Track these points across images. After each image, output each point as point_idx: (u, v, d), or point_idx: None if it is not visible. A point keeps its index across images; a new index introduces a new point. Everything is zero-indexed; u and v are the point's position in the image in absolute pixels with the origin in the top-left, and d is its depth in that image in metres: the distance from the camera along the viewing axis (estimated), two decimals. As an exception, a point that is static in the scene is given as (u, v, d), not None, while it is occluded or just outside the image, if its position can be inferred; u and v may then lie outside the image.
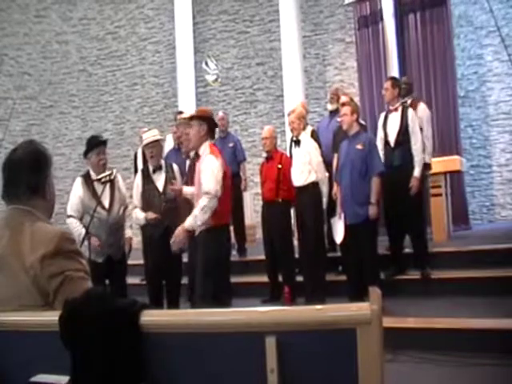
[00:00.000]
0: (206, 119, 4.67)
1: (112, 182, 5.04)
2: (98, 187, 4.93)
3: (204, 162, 4.53)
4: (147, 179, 5.27)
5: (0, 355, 1.69)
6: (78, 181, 5.10)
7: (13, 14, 13.12)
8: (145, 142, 5.35)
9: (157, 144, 5.32)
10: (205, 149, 4.59)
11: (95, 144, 5.09)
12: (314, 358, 1.35)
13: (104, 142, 5.18)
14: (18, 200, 1.95)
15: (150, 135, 5.36)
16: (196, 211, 4.41)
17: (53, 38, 13.31)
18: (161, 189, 5.20)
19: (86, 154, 5.11)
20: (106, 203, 4.98)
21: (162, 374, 1.47)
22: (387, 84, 6.12)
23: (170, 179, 5.25)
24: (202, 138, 4.61)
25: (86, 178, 5.05)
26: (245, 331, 1.38)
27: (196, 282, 4.66)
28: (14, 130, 12.29)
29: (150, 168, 5.33)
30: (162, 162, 5.42)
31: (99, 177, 4.97)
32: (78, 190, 5.02)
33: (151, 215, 5.09)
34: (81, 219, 4.94)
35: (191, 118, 4.87)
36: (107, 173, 4.97)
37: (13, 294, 1.78)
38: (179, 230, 4.47)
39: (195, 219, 4.40)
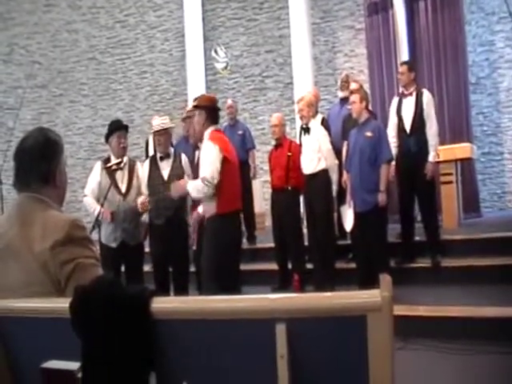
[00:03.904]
0: (202, 107, 4.68)
1: (131, 169, 5.16)
2: (117, 172, 5.01)
3: (202, 149, 4.58)
4: (154, 166, 5.25)
5: (11, 341, 1.70)
6: (98, 165, 5.23)
7: (22, 4, 13.12)
8: (153, 129, 5.36)
9: (165, 132, 5.27)
10: (206, 135, 4.61)
11: (116, 128, 5.18)
12: (324, 345, 1.35)
13: (125, 127, 5.25)
14: (29, 188, 1.96)
15: (159, 122, 5.33)
16: (194, 184, 4.51)
17: (62, 27, 13.30)
18: (165, 177, 5.17)
19: (107, 138, 5.21)
20: (123, 188, 5.04)
21: (172, 360, 1.48)
22: (403, 68, 6.09)
23: (176, 168, 5.23)
24: (203, 125, 4.64)
25: (106, 163, 5.14)
26: (255, 318, 1.38)
27: (203, 270, 4.67)
28: (25, 119, 12.32)
29: (158, 156, 5.32)
30: (171, 150, 5.40)
31: (109, 164, 5.02)
32: (96, 174, 5.15)
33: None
34: (97, 201, 5.03)
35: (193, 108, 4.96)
36: (117, 161, 5.02)
37: (23, 281, 1.79)
38: (181, 183, 4.71)
39: (191, 189, 4.53)
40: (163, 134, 5.25)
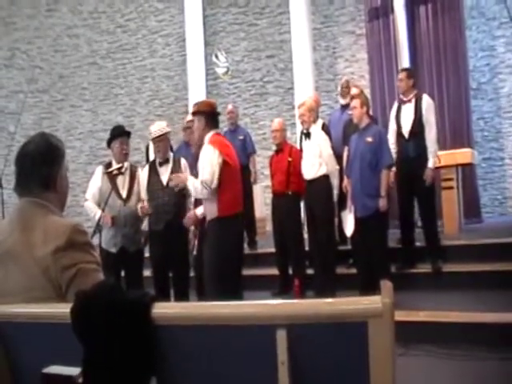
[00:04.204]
0: (201, 113, 4.70)
1: (132, 175, 5.15)
2: (118, 177, 4.99)
3: (202, 152, 4.57)
4: (153, 172, 5.23)
5: (12, 347, 1.70)
6: (99, 169, 5.23)
7: (24, 8, 13.16)
8: (151, 136, 5.29)
9: (163, 138, 5.22)
10: (206, 139, 4.62)
11: (118, 133, 5.18)
12: (325, 351, 1.34)
13: (127, 133, 5.27)
14: (29, 193, 1.96)
15: (156, 129, 5.26)
16: (196, 183, 4.51)
17: (63, 32, 13.34)
18: (164, 182, 5.14)
19: (109, 143, 5.21)
20: (124, 194, 5.04)
21: (173, 365, 1.48)
22: (402, 75, 6.10)
23: (175, 172, 5.16)
24: (203, 131, 4.66)
25: (107, 168, 5.13)
26: (256, 324, 1.38)
27: (205, 274, 4.67)
28: (26, 124, 12.35)
29: (157, 161, 5.27)
30: (171, 155, 5.37)
31: (110, 169, 5.02)
32: (97, 179, 5.16)
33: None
34: (98, 206, 5.04)
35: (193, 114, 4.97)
36: (118, 166, 5.01)
37: (24, 286, 1.79)
38: (182, 176, 4.81)
39: (191, 185, 4.56)
40: (162, 139, 5.21)
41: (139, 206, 5.00)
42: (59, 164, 2.05)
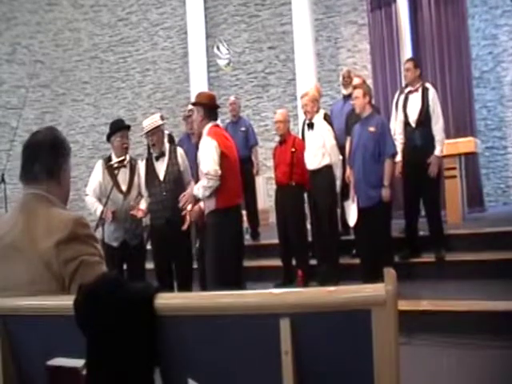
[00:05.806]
0: (200, 104, 4.71)
1: (132, 168, 5.12)
2: (119, 171, 4.97)
3: (201, 144, 4.59)
4: (150, 168, 5.17)
5: (17, 339, 1.70)
6: (99, 163, 5.20)
7: (24, 3, 13.14)
8: (144, 131, 5.20)
9: (157, 131, 5.13)
10: (204, 131, 4.63)
11: (119, 128, 5.15)
12: (328, 340, 1.34)
13: (127, 127, 5.25)
14: (34, 181, 1.97)
15: (149, 122, 5.17)
16: (199, 185, 4.49)
17: (64, 26, 13.31)
18: (161, 177, 5.10)
19: (108, 137, 5.19)
20: (124, 188, 5.02)
21: (177, 356, 1.48)
22: (409, 64, 6.06)
23: (172, 166, 5.16)
24: (202, 122, 4.68)
25: (107, 162, 5.11)
26: (259, 313, 1.38)
27: (206, 266, 4.67)
28: (28, 118, 12.35)
29: (154, 156, 5.21)
30: (166, 147, 5.26)
31: (111, 163, 4.99)
32: (97, 173, 5.13)
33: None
34: (98, 200, 5.03)
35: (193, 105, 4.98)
36: (120, 159, 4.99)
37: (27, 280, 1.79)
38: (188, 192, 4.65)
39: (198, 191, 4.50)
40: (155, 133, 5.12)
41: (131, 212, 4.97)
42: (65, 156, 2.09)
